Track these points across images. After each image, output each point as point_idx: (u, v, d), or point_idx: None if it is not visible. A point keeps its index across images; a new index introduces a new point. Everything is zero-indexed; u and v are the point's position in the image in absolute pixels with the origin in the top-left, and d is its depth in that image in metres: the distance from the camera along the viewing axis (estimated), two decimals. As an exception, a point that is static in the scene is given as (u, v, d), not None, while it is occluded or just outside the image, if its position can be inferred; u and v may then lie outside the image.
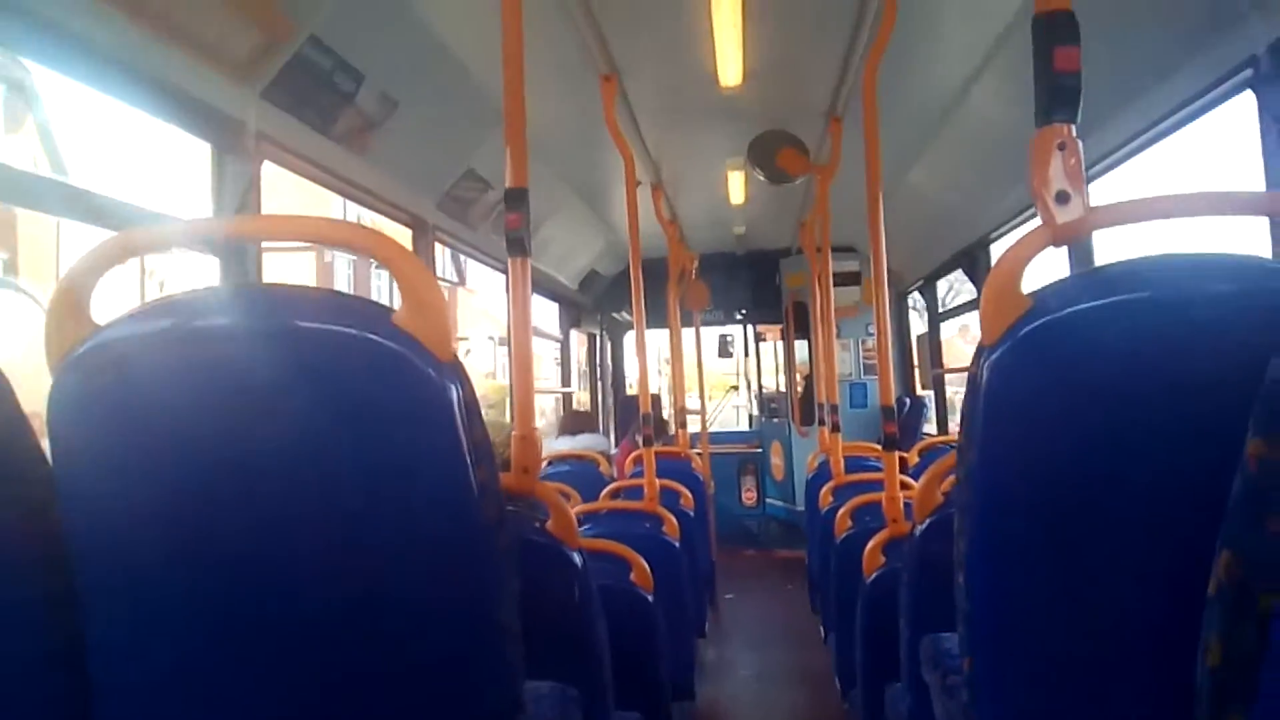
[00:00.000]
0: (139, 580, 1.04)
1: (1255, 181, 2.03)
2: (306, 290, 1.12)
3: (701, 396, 6.67)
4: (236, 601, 1.04)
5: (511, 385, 1.89)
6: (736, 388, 9.27)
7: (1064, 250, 1.22)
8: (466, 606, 1.07)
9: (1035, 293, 1.08)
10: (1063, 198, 1.15)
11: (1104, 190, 2.97)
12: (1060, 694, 1.12)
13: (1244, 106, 2.09)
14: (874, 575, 2.29)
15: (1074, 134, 1.17)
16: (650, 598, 2.21)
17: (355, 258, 18.24)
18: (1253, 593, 0.74)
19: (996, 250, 4.34)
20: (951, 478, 1.62)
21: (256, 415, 1.01)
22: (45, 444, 1.02)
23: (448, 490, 1.03)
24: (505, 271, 1.83)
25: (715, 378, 8.92)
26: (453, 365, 1.02)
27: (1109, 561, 1.07)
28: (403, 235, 3.53)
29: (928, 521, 1.78)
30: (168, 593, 1.04)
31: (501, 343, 18.25)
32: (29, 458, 1.01)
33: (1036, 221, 1.19)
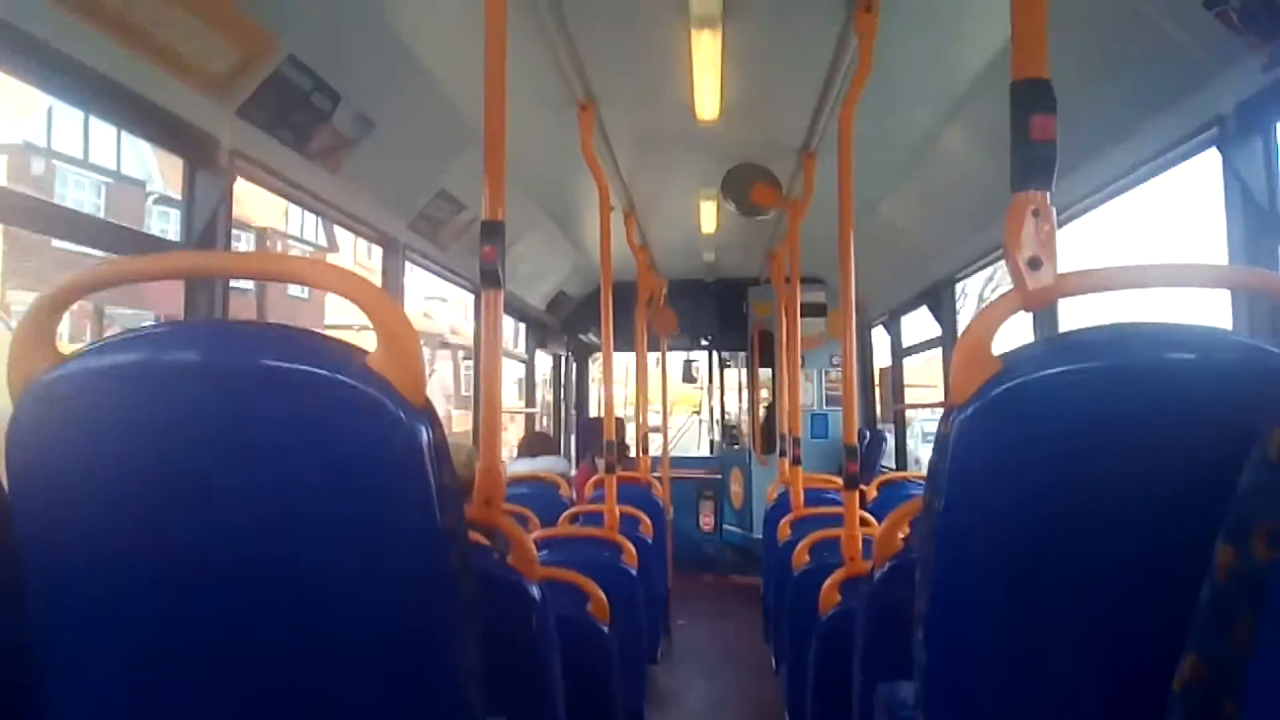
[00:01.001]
0: (95, 611, 1.02)
1: (1219, 229, 2.10)
2: (277, 328, 1.10)
3: (664, 421, 6.64)
4: (194, 637, 1.02)
5: (477, 418, 1.88)
6: (699, 413, 9.29)
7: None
8: (427, 652, 1.06)
9: (1004, 355, 1.09)
10: (1035, 264, 1.16)
11: (1070, 235, 3.04)
12: None
13: (1210, 162, 2.17)
14: (830, 613, 2.29)
15: (1048, 202, 1.19)
16: (606, 629, 2.20)
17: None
18: (1217, 699, 0.76)
19: (960, 289, 4.41)
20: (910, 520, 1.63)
21: (219, 453, 0.99)
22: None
23: (413, 538, 1.02)
24: (476, 292, 1.82)
25: (679, 389, 8.93)
26: (424, 409, 1.01)
27: (1068, 628, 1.08)
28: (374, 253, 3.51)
29: (887, 566, 1.78)
30: (124, 627, 1.02)
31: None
32: None
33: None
